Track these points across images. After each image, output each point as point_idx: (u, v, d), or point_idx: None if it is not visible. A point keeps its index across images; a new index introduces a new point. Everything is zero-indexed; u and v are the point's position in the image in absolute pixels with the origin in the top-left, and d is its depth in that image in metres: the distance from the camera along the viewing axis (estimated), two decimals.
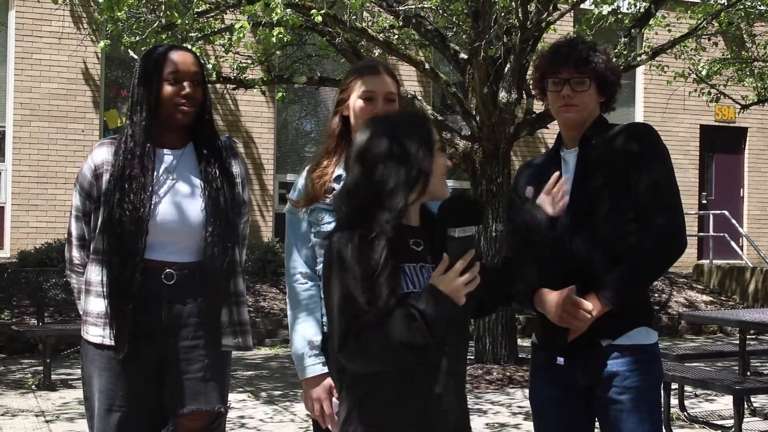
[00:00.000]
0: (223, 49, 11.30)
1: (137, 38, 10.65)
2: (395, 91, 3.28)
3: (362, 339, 2.50)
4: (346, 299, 2.53)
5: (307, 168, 3.39)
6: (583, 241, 3.16)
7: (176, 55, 3.31)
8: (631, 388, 3.12)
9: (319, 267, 3.24)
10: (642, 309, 3.23)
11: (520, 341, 10.68)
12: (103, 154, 3.35)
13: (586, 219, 3.16)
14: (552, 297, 3.15)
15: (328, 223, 3.21)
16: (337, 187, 3.21)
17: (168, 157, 3.35)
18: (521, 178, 3.46)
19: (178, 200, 3.31)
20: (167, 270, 3.26)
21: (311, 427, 7.21)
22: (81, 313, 3.38)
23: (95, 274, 3.28)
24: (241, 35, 9.00)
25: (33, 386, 8.84)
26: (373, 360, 2.54)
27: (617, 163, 3.16)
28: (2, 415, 7.56)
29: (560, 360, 3.19)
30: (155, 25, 10.31)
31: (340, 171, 3.26)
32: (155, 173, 3.30)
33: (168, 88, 3.28)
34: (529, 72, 9.99)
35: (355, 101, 3.26)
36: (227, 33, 10.90)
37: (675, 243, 3.14)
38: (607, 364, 3.13)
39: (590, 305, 3.09)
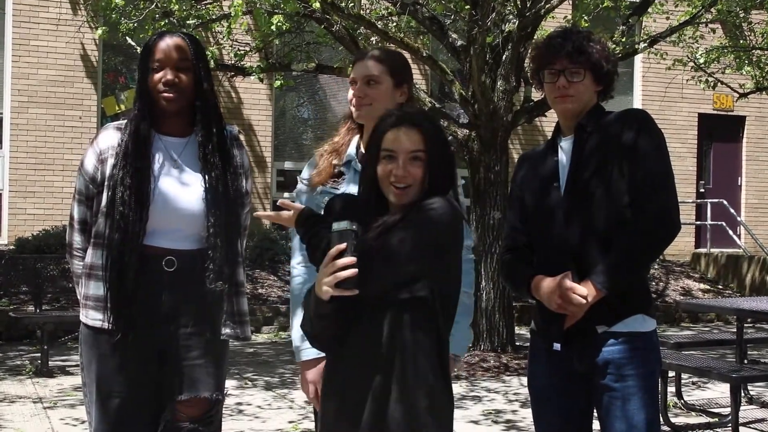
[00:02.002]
0: (221, 36, 11.29)
1: (135, 25, 10.63)
2: (376, 73, 3.37)
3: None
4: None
5: (318, 150, 3.51)
6: (578, 227, 3.17)
7: (163, 42, 3.32)
8: (627, 375, 3.12)
9: None
10: (639, 296, 3.23)
11: (517, 329, 10.70)
12: (108, 140, 3.35)
13: (582, 205, 3.17)
14: (548, 283, 3.16)
15: None
16: (346, 171, 3.32)
17: (172, 145, 3.36)
18: (521, 170, 3.47)
19: (180, 187, 3.31)
20: (168, 257, 3.27)
21: (309, 414, 7.21)
22: (80, 297, 3.39)
23: (96, 257, 3.28)
24: (238, 14, 8.97)
25: (31, 373, 8.85)
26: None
27: (612, 149, 3.16)
28: (0, 401, 7.57)
29: (557, 346, 3.20)
30: (153, 6, 10.29)
31: (351, 151, 3.37)
32: (158, 160, 3.31)
33: (153, 75, 3.29)
34: (527, 60, 10.00)
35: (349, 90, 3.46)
36: (225, 20, 10.89)
37: (668, 226, 3.14)
38: (603, 351, 3.14)
39: (585, 290, 3.09)
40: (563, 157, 3.27)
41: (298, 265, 3.39)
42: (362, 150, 3.39)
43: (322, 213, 2.79)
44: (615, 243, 3.11)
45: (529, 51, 3.21)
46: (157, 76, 3.28)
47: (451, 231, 2.75)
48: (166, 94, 3.28)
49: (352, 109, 3.40)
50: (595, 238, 3.14)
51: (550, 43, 3.25)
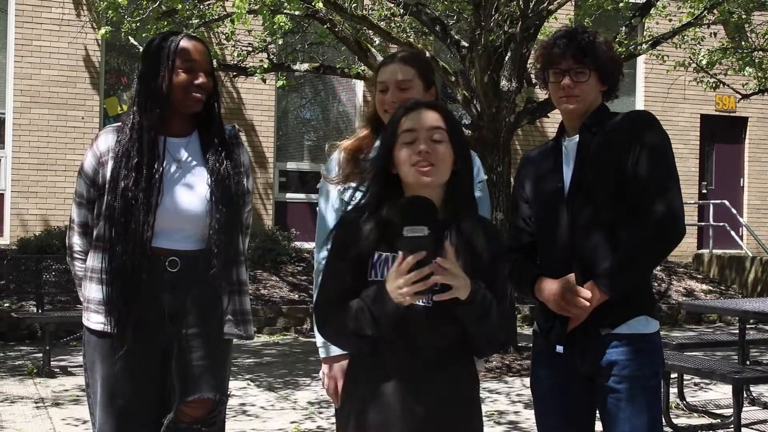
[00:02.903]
0: (224, 36, 11.28)
1: (137, 25, 10.63)
2: (408, 78, 3.39)
3: (321, 314, 2.75)
4: (322, 272, 2.84)
5: (342, 145, 3.52)
6: (582, 228, 3.16)
7: (191, 44, 3.33)
8: (630, 377, 3.12)
9: None
10: (643, 298, 3.22)
11: (519, 330, 10.68)
12: (108, 142, 3.34)
13: (586, 206, 3.16)
14: (551, 285, 3.15)
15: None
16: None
17: (174, 145, 3.35)
18: (524, 170, 3.46)
19: (184, 188, 3.31)
20: (171, 258, 3.26)
21: (311, 414, 7.21)
22: (82, 300, 3.38)
23: (98, 261, 3.27)
24: (242, 13, 8.96)
25: (32, 373, 8.84)
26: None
27: (617, 150, 3.15)
28: (2, 401, 7.57)
29: (559, 348, 3.20)
30: (157, 3, 10.28)
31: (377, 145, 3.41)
32: (161, 160, 3.30)
33: (182, 76, 3.28)
34: (530, 61, 9.99)
35: (376, 95, 3.45)
36: (228, 20, 10.89)
37: (673, 230, 3.13)
38: (607, 353, 3.13)
39: (589, 293, 3.08)
40: (567, 157, 3.26)
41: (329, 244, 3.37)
42: None
43: (367, 212, 2.75)
44: (619, 245, 3.10)
45: (535, 51, 3.21)
46: (189, 77, 3.28)
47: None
48: (197, 95, 3.30)
49: (381, 114, 3.40)
50: (599, 239, 3.14)
51: (556, 42, 3.24)
